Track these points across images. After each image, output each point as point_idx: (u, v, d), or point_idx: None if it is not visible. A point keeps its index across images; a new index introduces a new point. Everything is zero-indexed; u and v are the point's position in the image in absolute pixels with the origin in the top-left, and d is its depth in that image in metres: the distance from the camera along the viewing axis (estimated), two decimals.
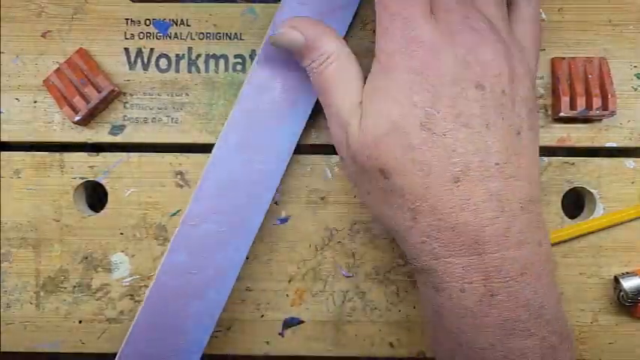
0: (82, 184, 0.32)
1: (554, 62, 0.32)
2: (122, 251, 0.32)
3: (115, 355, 0.30)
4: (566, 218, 0.32)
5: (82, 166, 0.32)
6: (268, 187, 0.30)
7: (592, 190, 0.32)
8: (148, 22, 0.32)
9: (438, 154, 0.24)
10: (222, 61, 0.32)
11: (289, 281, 0.32)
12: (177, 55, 0.32)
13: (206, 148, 0.31)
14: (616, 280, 0.31)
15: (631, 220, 0.31)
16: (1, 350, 0.32)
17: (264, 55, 0.30)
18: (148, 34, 0.32)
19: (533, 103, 0.26)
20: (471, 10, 0.25)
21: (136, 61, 0.32)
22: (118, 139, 0.32)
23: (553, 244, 0.31)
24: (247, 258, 0.31)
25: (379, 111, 0.24)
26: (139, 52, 0.32)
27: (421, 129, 0.24)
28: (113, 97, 0.31)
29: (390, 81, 0.24)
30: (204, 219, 0.29)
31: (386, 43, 0.25)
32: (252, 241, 0.30)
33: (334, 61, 0.26)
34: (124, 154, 0.32)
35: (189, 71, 0.32)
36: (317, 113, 0.32)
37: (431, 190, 0.24)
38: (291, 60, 0.28)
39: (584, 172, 0.32)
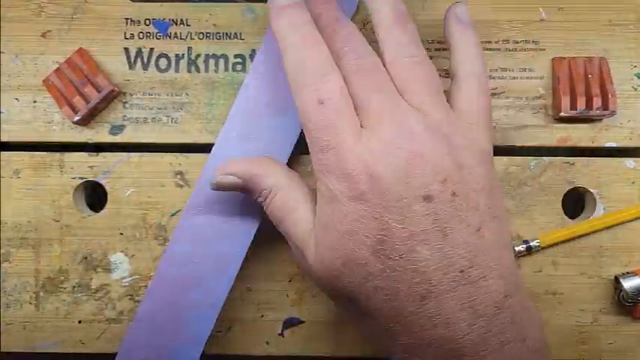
0: (81, 184, 0.32)
1: (554, 62, 0.32)
2: (122, 251, 0.32)
3: (116, 355, 0.30)
4: (566, 218, 0.32)
5: (81, 166, 0.32)
6: None
7: (592, 190, 0.32)
8: (147, 21, 0.32)
9: (399, 278, 0.22)
10: (222, 61, 0.32)
11: (289, 281, 0.32)
12: (176, 55, 0.32)
13: (206, 148, 0.31)
14: (616, 280, 0.31)
15: (631, 220, 0.31)
16: (1, 350, 0.32)
17: (268, 46, 0.30)
18: (148, 34, 0.32)
19: (491, 189, 0.24)
20: (402, 113, 0.23)
21: (135, 61, 0.32)
22: (117, 139, 0.32)
23: (554, 245, 0.31)
24: (247, 258, 0.31)
25: (332, 247, 0.23)
26: (139, 52, 0.32)
27: (376, 257, 0.23)
28: (113, 96, 0.31)
29: (335, 214, 0.23)
30: (207, 208, 0.29)
31: (321, 173, 0.24)
32: (254, 231, 0.29)
33: (276, 193, 0.26)
34: (124, 154, 0.32)
35: (189, 71, 0.32)
36: None
37: (400, 312, 0.23)
38: None
39: (585, 172, 0.32)
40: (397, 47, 0.25)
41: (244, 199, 0.29)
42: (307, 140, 0.24)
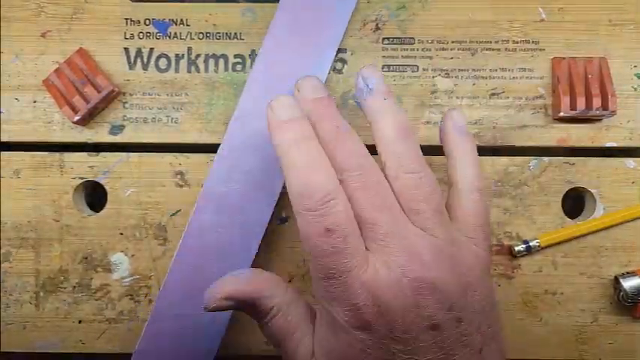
0: (81, 184, 0.32)
1: (554, 62, 0.32)
2: (122, 251, 0.32)
3: (117, 355, 0.30)
4: (566, 218, 0.32)
5: (81, 166, 0.32)
6: None
7: (592, 190, 0.32)
8: (147, 21, 0.32)
9: None
10: (222, 61, 0.32)
11: (289, 281, 0.32)
12: (176, 55, 0.32)
13: (206, 148, 0.31)
14: (616, 280, 0.31)
15: (631, 220, 0.31)
16: (1, 350, 0.32)
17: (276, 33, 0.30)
18: (148, 34, 0.32)
19: (491, 306, 0.24)
20: (407, 235, 0.23)
21: (135, 61, 0.32)
22: (117, 139, 0.32)
23: (553, 245, 0.31)
24: None
25: None
26: (139, 52, 0.32)
27: None
28: (113, 97, 0.31)
29: (340, 343, 0.23)
30: (229, 178, 0.29)
31: (325, 300, 0.23)
32: (275, 200, 0.29)
33: (276, 314, 0.25)
34: (124, 154, 0.32)
35: (189, 71, 0.32)
36: None
37: None
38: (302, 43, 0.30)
39: (584, 172, 0.32)
40: (400, 162, 0.24)
41: (266, 165, 0.29)
42: (311, 265, 0.24)
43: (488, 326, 0.24)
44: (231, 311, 0.29)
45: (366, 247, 0.23)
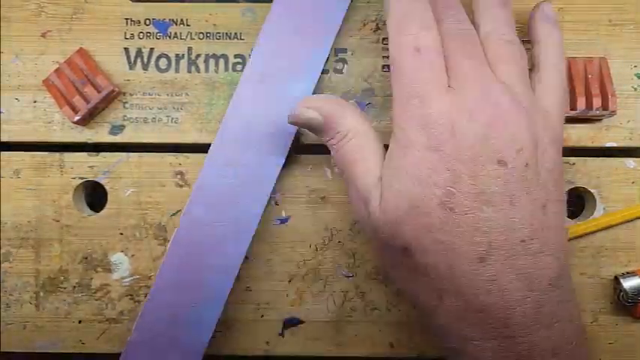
0: (81, 184, 0.32)
1: None
2: (122, 251, 0.32)
3: (117, 355, 0.30)
4: (566, 218, 0.32)
5: (81, 166, 0.32)
6: (285, 136, 0.30)
7: (592, 190, 0.32)
8: (147, 21, 0.32)
9: (460, 234, 0.23)
10: (222, 61, 0.32)
11: (289, 281, 0.32)
12: (177, 55, 0.32)
13: (206, 148, 0.31)
14: (616, 280, 0.31)
15: (631, 220, 0.31)
16: (1, 350, 0.32)
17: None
18: (148, 34, 0.32)
19: (559, 173, 0.25)
20: (490, 82, 0.24)
21: (135, 61, 0.32)
22: (117, 139, 0.32)
23: None
24: (247, 258, 0.31)
25: (399, 191, 0.24)
26: (139, 52, 0.32)
27: (442, 209, 0.23)
28: (113, 97, 0.31)
29: (407, 159, 0.24)
30: (221, 172, 0.29)
31: (402, 119, 0.24)
32: (269, 193, 0.30)
33: (352, 138, 0.26)
34: (124, 154, 0.32)
35: (189, 71, 0.32)
36: None
37: (455, 271, 0.23)
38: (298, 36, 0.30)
39: (584, 172, 0.32)
40: (494, 24, 0.26)
41: (261, 159, 0.30)
42: (393, 88, 0.25)
43: (554, 188, 0.24)
44: (222, 305, 0.29)
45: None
